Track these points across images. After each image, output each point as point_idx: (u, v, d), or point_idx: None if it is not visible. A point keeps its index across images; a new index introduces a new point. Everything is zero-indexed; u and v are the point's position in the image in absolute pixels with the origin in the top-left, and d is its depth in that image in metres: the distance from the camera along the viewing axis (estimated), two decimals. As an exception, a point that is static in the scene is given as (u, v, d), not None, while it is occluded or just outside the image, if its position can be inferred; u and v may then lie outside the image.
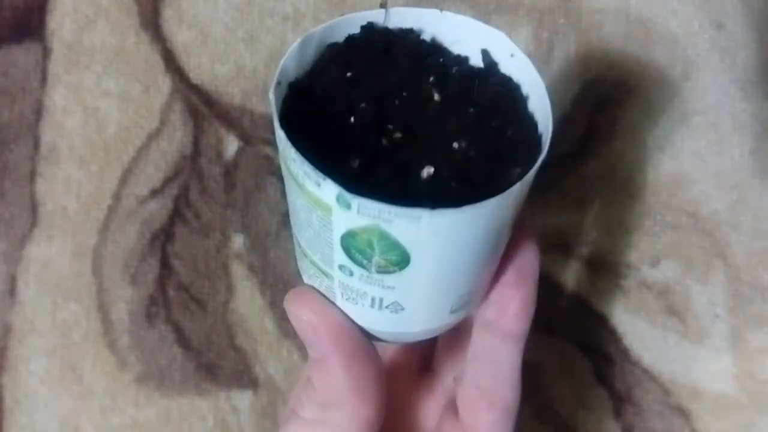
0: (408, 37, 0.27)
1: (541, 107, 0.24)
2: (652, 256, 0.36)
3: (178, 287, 0.37)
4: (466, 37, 0.26)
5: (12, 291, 0.37)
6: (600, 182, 0.36)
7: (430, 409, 0.29)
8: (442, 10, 0.26)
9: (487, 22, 0.25)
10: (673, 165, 0.36)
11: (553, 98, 0.24)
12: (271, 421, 0.36)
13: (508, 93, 0.26)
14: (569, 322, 0.36)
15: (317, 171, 0.20)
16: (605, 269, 0.36)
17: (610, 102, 0.37)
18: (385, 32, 0.27)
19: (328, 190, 0.20)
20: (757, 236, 0.36)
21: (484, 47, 0.26)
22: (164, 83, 0.38)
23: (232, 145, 0.37)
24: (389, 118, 0.24)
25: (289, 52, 0.24)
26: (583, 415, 0.35)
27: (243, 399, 0.36)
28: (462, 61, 0.27)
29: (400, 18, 0.27)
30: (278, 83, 0.23)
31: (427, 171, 0.23)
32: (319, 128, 0.23)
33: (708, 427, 0.35)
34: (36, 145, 0.38)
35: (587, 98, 0.37)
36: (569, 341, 0.36)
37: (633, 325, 0.36)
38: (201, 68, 0.38)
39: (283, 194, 0.36)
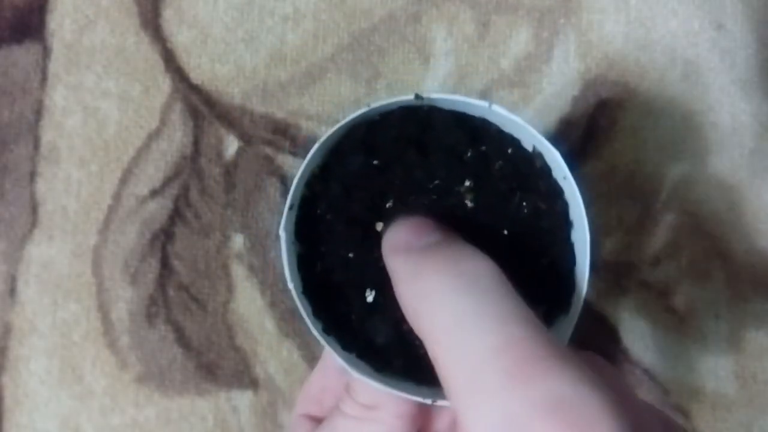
0: (447, 120, 0.23)
1: (581, 242, 0.22)
2: (652, 256, 0.36)
3: (178, 287, 0.37)
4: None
5: (12, 291, 0.37)
6: (600, 182, 0.36)
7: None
8: (491, 103, 0.22)
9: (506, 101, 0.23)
10: (672, 165, 0.36)
11: (583, 193, 0.21)
12: (271, 421, 0.36)
13: (552, 213, 0.23)
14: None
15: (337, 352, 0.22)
16: (605, 269, 0.36)
17: (610, 102, 0.37)
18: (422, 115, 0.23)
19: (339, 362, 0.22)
20: (757, 236, 0.36)
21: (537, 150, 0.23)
22: (164, 83, 0.38)
23: (232, 145, 0.37)
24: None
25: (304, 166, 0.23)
26: (583, 415, 0.35)
27: (243, 399, 0.36)
28: (509, 156, 0.23)
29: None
30: (290, 207, 0.23)
31: None
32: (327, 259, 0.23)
33: (708, 427, 0.35)
34: (36, 145, 0.38)
35: (587, 98, 0.37)
36: (569, 341, 0.36)
37: (633, 325, 0.36)
38: (201, 68, 0.38)
39: (283, 194, 0.36)
